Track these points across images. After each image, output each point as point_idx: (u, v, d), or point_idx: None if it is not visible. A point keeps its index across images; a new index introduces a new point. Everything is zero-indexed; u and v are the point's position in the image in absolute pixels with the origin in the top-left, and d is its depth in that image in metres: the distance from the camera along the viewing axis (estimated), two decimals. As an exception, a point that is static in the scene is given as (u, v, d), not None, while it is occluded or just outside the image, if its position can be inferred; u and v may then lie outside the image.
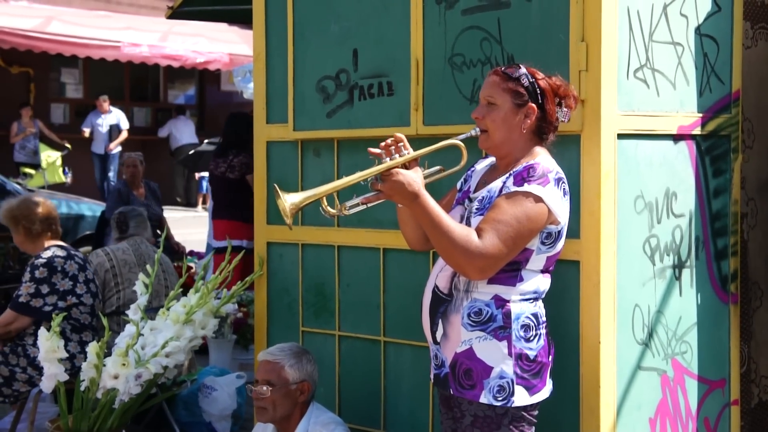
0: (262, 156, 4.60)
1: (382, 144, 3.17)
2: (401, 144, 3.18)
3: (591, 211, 3.53)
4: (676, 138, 3.81)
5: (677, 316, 3.83)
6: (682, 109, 3.83)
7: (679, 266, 3.84)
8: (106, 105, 15.17)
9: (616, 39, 3.56)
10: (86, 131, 15.26)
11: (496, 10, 3.74)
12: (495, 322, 3.13)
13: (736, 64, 4.01)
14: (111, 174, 15.06)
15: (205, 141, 11.70)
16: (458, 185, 3.46)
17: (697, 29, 3.88)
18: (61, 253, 5.31)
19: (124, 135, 15.27)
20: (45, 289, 5.18)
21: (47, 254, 5.27)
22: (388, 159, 3.14)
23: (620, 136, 3.58)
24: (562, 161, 3.30)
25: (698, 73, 3.88)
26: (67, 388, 4.68)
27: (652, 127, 3.71)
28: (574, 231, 3.43)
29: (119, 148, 15.11)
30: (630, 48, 3.63)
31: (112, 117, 15.22)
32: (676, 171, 3.82)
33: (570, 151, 3.52)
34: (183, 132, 16.35)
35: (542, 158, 3.20)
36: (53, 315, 4.97)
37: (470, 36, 3.81)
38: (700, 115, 3.89)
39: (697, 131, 3.87)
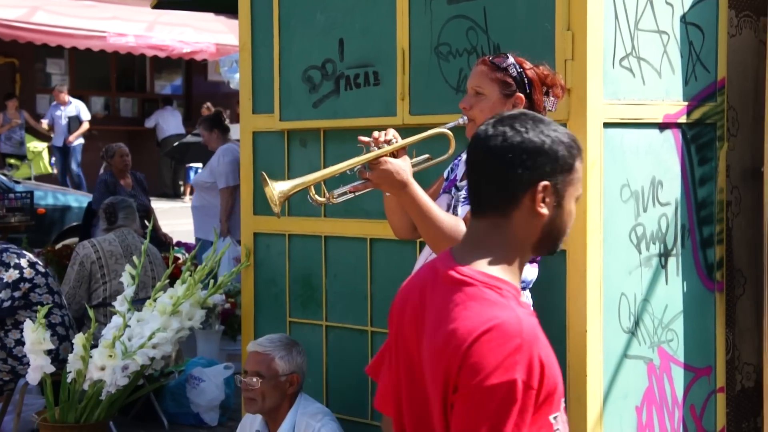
0: (248, 146, 4.59)
1: (374, 134, 3.16)
2: (390, 133, 3.17)
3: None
4: (662, 126, 3.82)
5: (663, 304, 3.85)
6: (668, 97, 3.84)
7: (665, 254, 3.85)
8: (63, 96, 14.88)
9: (602, 28, 3.56)
10: (45, 123, 15.01)
11: (483, 0, 3.73)
12: (482, 312, 3.13)
13: (722, 53, 4.02)
14: (74, 167, 14.81)
15: (192, 132, 11.67)
16: (445, 174, 3.46)
17: (683, 17, 3.88)
18: None
19: (85, 126, 15.02)
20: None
21: None
22: (376, 148, 3.14)
23: (606, 125, 3.59)
24: (549, 150, 3.29)
25: (684, 61, 3.88)
26: (54, 380, 4.67)
27: (638, 115, 3.72)
28: (560, 220, 3.43)
29: (80, 140, 14.90)
30: (616, 37, 3.63)
31: (72, 108, 14.96)
32: (662, 159, 3.83)
33: (556, 140, 3.52)
34: (170, 123, 16.28)
35: (529, 148, 3.20)
36: (14, 308, 4.94)
37: (456, 25, 3.81)
38: (686, 103, 3.89)
39: (683, 120, 3.88)
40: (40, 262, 5.46)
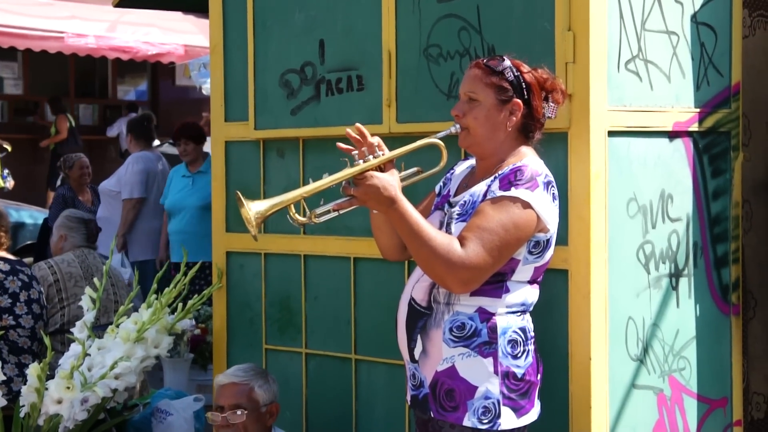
0: (221, 157, 4.58)
1: (352, 137, 3.14)
2: (376, 144, 3.16)
3: (580, 215, 3.52)
4: (672, 135, 3.82)
5: (674, 329, 3.84)
6: (678, 103, 3.84)
7: (676, 275, 3.84)
8: None
9: (606, 28, 3.57)
10: None
11: (476, -3, 3.74)
12: (479, 338, 3.12)
13: (736, 55, 4.03)
14: None
15: (167, 142, 11.65)
16: (437, 189, 3.45)
17: (693, 17, 3.88)
18: (3, 267, 5.26)
19: None
20: None
21: None
22: (361, 160, 3.12)
23: (611, 134, 3.58)
24: (549, 161, 3.28)
25: (695, 64, 3.89)
26: (5, 414, 4.64)
27: (646, 123, 3.72)
28: (562, 237, 3.42)
29: None
30: (621, 38, 3.64)
31: None
32: (672, 171, 3.83)
33: (557, 150, 3.52)
34: (134, 131, 16.28)
35: (530, 159, 3.19)
36: None
37: (447, 25, 3.81)
38: (698, 110, 3.90)
39: (695, 128, 3.88)
40: (42, 301, 5.45)
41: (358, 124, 3.19)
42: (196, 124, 8.04)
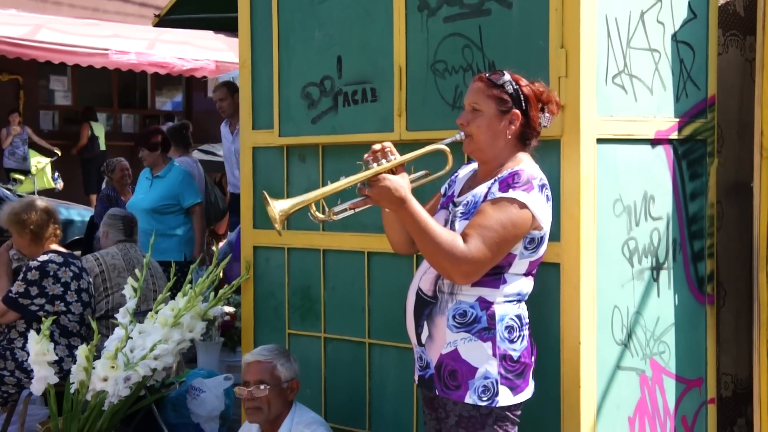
0: (248, 162, 4.58)
1: (372, 149, 3.15)
2: (388, 149, 3.16)
3: (571, 214, 3.52)
4: (654, 142, 3.81)
5: (655, 317, 3.83)
6: (660, 114, 3.83)
7: (656, 268, 3.83)
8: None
9: (595, 45, 3.55)
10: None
11: (478, 18, 3.72)
12: (480, 324, 3.12)
13: (712, 70, 4.01)
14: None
15: (198, 148, 11.63)
16: (442, 190, 3.45)
17: (674, 36, 3.88)
18: (57, 259, 5.27)
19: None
20: (34, 290, 5.15)
21: (43, 258, 5.24)
22: (375, 164, 3.12)
23: (599, 141, 3.58)
24: (543, 165, 3.28)
25: (675, 78, 3.88)
26: (57, 390, 4.65)
27: (631, 131, 3.71)
28: (554, 234, 3.42)
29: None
30: (608, 54, 3.63)
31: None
32: (654, 175, 3.82)
33: (550, 156, 3.51)
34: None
35: (526, 164, 3.19)
36: (41, 316, 4.96)
37: (452, 43, 3.80)
38: (677, 119, 3.88)
39: (674, 136, 3.87)
40: (91, 291, 5.45)
41: (386, 144, 3.18)
42: (151, 133, 7.85)
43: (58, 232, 5.45)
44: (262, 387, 3.87)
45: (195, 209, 7.37)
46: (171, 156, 8.23)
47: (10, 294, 5.17)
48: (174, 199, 7.36)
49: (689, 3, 3.92)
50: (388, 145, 3.17)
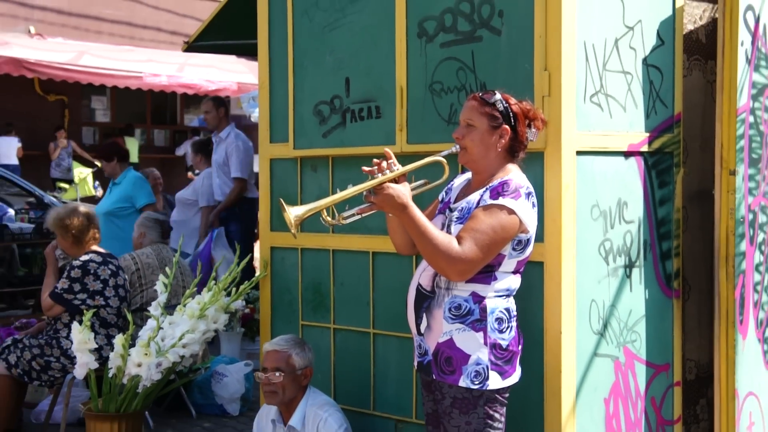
0: (266, 171, 4.56)
1: (375, 161, 3.13)
2: (391, 161, 3.14)
3: (553, 218, 3.50)
4: (627, 154, 3.79)
5: (628, 309, 3.80)
6: (632, 129, 3.80)
7: (629, 266, 3.81)
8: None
9: (574, 68, 3.53)
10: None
11: (470, 44, 3.70)
12: (473, 316, 3.10)
13: (678, 91, 3.99)
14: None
15: None
16: (440, 197, 3.42)
17: (644, 60, 3.85)
18: (97, 258, 5.26)
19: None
20: (77, 287, 5.14)
21: (84, 258, 5.23)
22: (379, 174, 3.10)
23: (578, 153, 3.55)
24: (528, 175, 3.26)
25: (645, 97, 3.85)
26: (97, 375, 4.64)
27: (606, 145, 3.68)
28: (538, 236, 3.39)
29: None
30: (586, 76, 3.60)
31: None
32: (627, 183, 3.79)
33: (535, 166, 3.49)
34: (197, 151, 16.25)
35: (514, 174, 3.17)
36: (83, 310, 4.95)
37: (447, 66, 3.78)
38: (647, 134, 3.86)
39: (645, 148, 3.85)
40: (127, 287, 5.43)
41: (386, 150, 3.18)
42: (107, 146, 7.72)
43: (97, 235, 5.43)
44: (277, 374, 3.85)
45: (147, 209, 7.18)
46: (198, 167, 8.22)
47: (56, 290, 5.15)
48: (128, 201, 7.23)
49: (657, 31, 3.90)
50: (390, 153, 3.15)
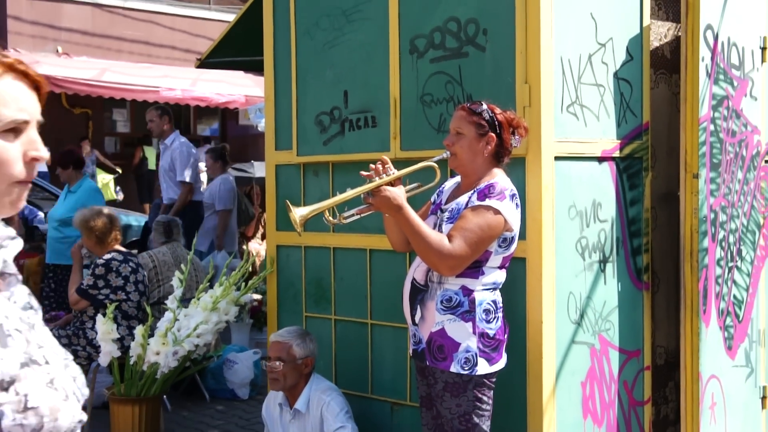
0: (272, 176, 4.52)
1: (372, 167, 3.11)
2: (387, 166, 3.11)
3: (534, 218, 3.47)
4: (600, 159, 3.76)
5: (602, 300, 3.77)
6: (605, 136, 3.77)
7: (603, 261, 3.78)
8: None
9: (552, 81, 3.51)
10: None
11: (458, 59, 3.67)
12: (462, 308, 3.06)
13: (646, 102, 3.96)
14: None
15: (232, 166, 11.55)
16: (432, 199, 3.40)
17: (615, 74, 3.82)
18: (118, 257, 5.23)
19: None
20: (101, 283, 5.10)
21: (107, 256, 5.19)
22: (377, 178, 3.08)
23: (557, 158, 3.52)
24: (513, 178, 3.23)
25: (617, 108, 3.83)
26: (119, 362, 4.61)
27: (581, 151, 3.65)
28: (521, 234, 3.35)
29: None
30: (563, 88, 3.57)
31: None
32: (601, 186, 3.76)
33: (517, 171, 3.46)
34: (208, 157, 16.21)
35: (500, 178, 3.14)
36: (106, 304, 4.92)
37: (437, 79, 3.75)
38: (619, 141, 3.83)
39: (617, 154, 3.82)
40: (146, 282, 5.38)
41: (384, 157, 3.15)
42: (63, 154, 7.10)
43: (119, 236, 5.39)
44: (278, 363, 3.80)
45: None
46: (214, 174, 8.11)
47: (82, 286, 5.12)
48: None
49: (627, 47, 3.87)
50: (387, 159, 3.12)
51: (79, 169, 6.95)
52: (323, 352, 4.22)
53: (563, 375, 3.59)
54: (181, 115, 17.68)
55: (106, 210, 5.47)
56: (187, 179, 7.31)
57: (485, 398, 3.13)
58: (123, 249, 5.37)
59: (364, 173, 3.10)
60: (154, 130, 7.65)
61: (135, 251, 8.23)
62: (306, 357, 3.85)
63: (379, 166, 3.10)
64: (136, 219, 9.94)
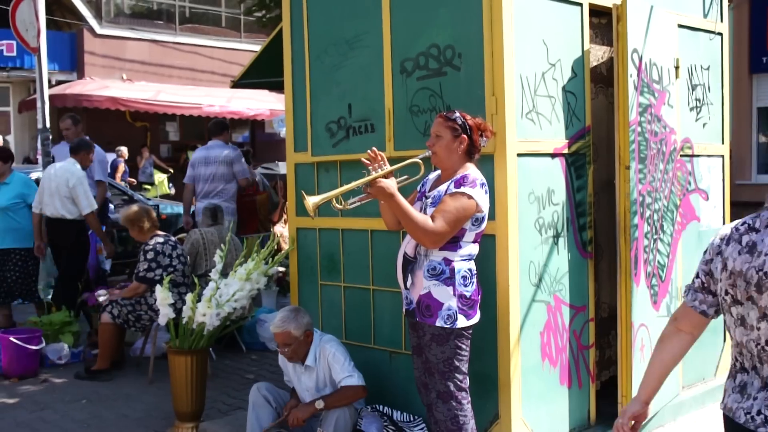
0: (292, 173, 4.48)
1: (369, 153, 3.07)
2: (381, 162, 3.09)
3: (501, 202, 3.44)
4: (553, 155, 3.72)
5: (556, 267, 3.75)
6: (556, 137, 3.74)
7: (556, 236, 3.75)
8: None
9: (514, 94, 3.47)
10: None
11: (438, 77, 3.63)
12: (444, 275, 3.04)
13: (587, 109, 3.92)
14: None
15: (262, 165, 11.49)
16: (418, 188, 3.36)
17: (563, 87, 3.78)
18: (161, 240, 5.19)
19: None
20: (154, 265, 5.07)
21: (152, 242, 5.16)
22: (374, 172, 3.05)
23: (519, 155, 3.49)
24: (483, 171, 3.20)
25: (565, 115, 3.79)
26: (174, 322, 4.58)
27: (538, 149, 3.62)
28: (490, 215, 3.34)
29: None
30: (522, 99, 3.53)
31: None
32: (554, 176, 3.73)
33: (487, 165, 3.43)
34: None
35: (472, 170, 3.11)
36: (163, 278, 4.88)
37: (422, 94, 3.71)
38: (567, 141, 3.79)
39: (566, 151, 3.78)
40: (185, 255, 5.32)
41: (373, 148, 3.12)
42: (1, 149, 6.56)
43: (155, 224, 5.27)
44: (286, 349, 3.66)
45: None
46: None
47: (139, 273, 5.08)
48: (20, 198, 6.29)
49: (572, 66, 3.83)
50: (382, 155, 3.10)
51: (7, 163, 6.30)
52: (335, 312, 4.19)
53: (526, 327, 3.57)
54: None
55: (139, 206, 5.39)
56: (103, 178, 6.74)
57: (464, 346, 3.11)
58: (162, 233, 5.32)
59: (364, 160, 3.08)
60: (70, 137, 6.78)
61: (183, 235, 8.22)
62: (304, 331, 3.67)
63: (378, 156, 3.07)
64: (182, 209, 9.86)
